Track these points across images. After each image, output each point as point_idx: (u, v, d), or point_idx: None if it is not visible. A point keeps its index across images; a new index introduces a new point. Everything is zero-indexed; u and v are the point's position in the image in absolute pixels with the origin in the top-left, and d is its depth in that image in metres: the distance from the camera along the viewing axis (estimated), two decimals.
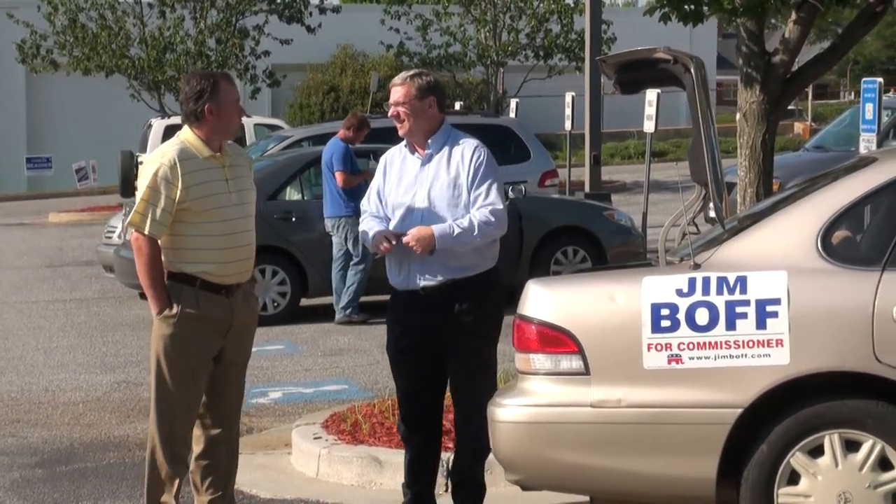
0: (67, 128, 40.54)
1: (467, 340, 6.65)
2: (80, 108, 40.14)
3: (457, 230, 6.58)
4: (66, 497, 7.76)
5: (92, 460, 8.64)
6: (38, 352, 12.74)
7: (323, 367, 11.61)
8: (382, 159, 6.94)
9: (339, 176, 13.44)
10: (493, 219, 6.59)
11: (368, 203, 6.87)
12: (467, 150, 6.73)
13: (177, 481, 6.54)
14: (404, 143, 6.81)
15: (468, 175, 6.66)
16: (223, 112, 6.50)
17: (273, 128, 26.80)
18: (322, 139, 18.68)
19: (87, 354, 12.49)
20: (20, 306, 15.93)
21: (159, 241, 6.43)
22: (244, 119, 29.93)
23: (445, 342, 6.68)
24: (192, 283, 6.45)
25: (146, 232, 6.38)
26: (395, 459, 7.74)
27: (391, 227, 6.72)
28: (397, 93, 6.71)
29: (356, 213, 13.38)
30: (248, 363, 6.79)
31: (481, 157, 6.72)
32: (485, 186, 6.66)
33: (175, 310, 6.42)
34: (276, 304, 14.02)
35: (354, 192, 13.39)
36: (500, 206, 6.65)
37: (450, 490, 6.95)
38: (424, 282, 6.65)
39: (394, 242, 6.60)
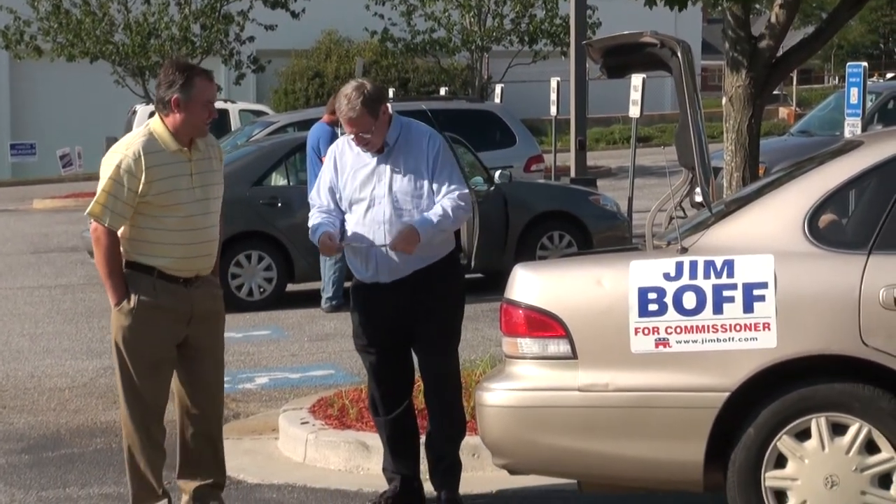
0: (51, 114, 40.43)
1: (435, 323, 6.80)
2: (64, 94, 40.04)
3: (435, 220, 6.65)
4: (53, 482, 7.75)
5: (78, 446, 8.63)
6: (24, 338, 12.72)
7: (310, 353, 11.61)
8: (331, 152, 6.92)
9: (325, 161, 13.39)
10: (462, 203, 6.72)
11: (318, 197, 6.84)
12: (425, 140, 6.78)
13: (157, 468, 6.54)
14: (352, 136, 6.78)
15: (429, 165, 6.73)
16: (190, 108, 6.40)
17: (258, 113, 26.76)
18: (307, 125, 18.63)
19: (72, 340, 12.46)
20: (5, 292, 15.90)
21: (119, 232, 6.39)
22: (229, 105, 29.79)
23: (412, 326, 6.81)
24: (150, 272, 6.42)
25: (106, 223, 6.33)
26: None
27: (351, 222, 6.76)
28: (358, 124, 6.66)
29: None
30: (221, 350, 6.74)
31: (438, 145, 6.78)
32: (447, 173, 6.75)
33: (132, 301, 6.39)
34: (262, 289, 14.01)
35: None
36: (465, 190, 6.80)
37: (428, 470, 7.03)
38: (394, 277, 6.75)
39: (341, 243, 6.75)
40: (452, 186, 6.74)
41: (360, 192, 6.75)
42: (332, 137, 13.51)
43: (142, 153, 6.33)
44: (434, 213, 6.67)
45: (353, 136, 6.73)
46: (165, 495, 6.59)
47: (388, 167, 6.75)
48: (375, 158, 6.78)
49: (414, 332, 6.85)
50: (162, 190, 6.35)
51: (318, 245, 6.77)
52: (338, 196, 6.80)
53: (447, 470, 6.96)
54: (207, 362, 6.63)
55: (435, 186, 6.73)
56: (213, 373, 6.68)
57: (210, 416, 6.69)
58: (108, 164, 6.35)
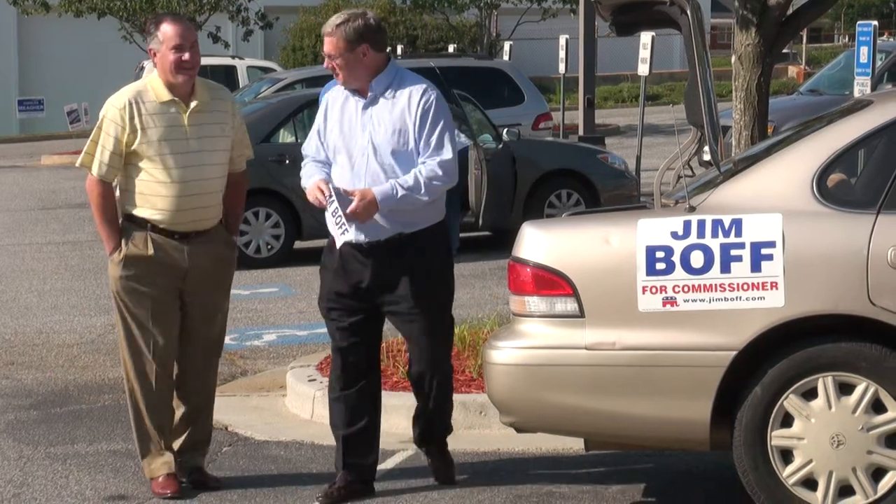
0: (59, 70, 40.36)
1: (418, 295, 6.33)
2: (71, 50, 39.95)
3: (400, 192, 6.19)
4: (62, 438, 7.78)
5: (87, 402, 8.66)
6: (32, 294, 12.75)
7: (317, 310, 11.56)
8: (324, 99, 6.60)
9: None
10: (439, 172, 6.19)
11: (309, 145, 6.59)
12: (414, 94, 6.25)
13: (161, 422, 6.55)
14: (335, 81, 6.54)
15: (414, 121, 6.22)
16: (160, 56, 6.42)
17: (266, 70, 26.71)
18: (315, 82, 18.64)
19: (80, 297, 12.49)
20: (13, 248, 15.92)
21: (116, 183, 6.44)
22: (237, 61, 29.71)
23: (385, 297, 6.36)
24: (144, 226, 6.42)
25: (94, 173, 6.39)
26: (390, 402, 7.73)
27: (334, 173, 6.37)
28: (327, 44, 6.31)
29: None
30: (218, 310, 6.67)
31: (429, 101, 6.24)
32: (435, 135, 6.22)
33: (123, 251, 6.41)
34: (269, 246, 14.03)
35: None
36: (449, 157, 6.23)
37: (417, 439, 6.75)
38: (369, 237, 6.31)
39: (330, 196, 6.23)
40: (435, 151, 6.22)
41: (345, 142, 6.36)
42: None
43: (128, 102, 6.36)
44: (403, 183, 6.18)
45: (325, 63, 6.40)
46: (170, 450, 6.61)
47: (372, 118, 6.31)
48: (361, 108, 6.36)
49: (391, 306, 6.39)
50: (150, 139, 6.35)
51: (308, 192, 6.41)
52: (325, 145, 6.48)
53: (441, 435, 6.68)
54: (197, 320, 6.59)
55: (421, 147, 6.24)
56: (204, 331, 6.62)
57: (194, 375, 6.66)
58: (101, 116, 6.44)
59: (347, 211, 6.20)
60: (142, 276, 6.42)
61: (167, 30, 6.40)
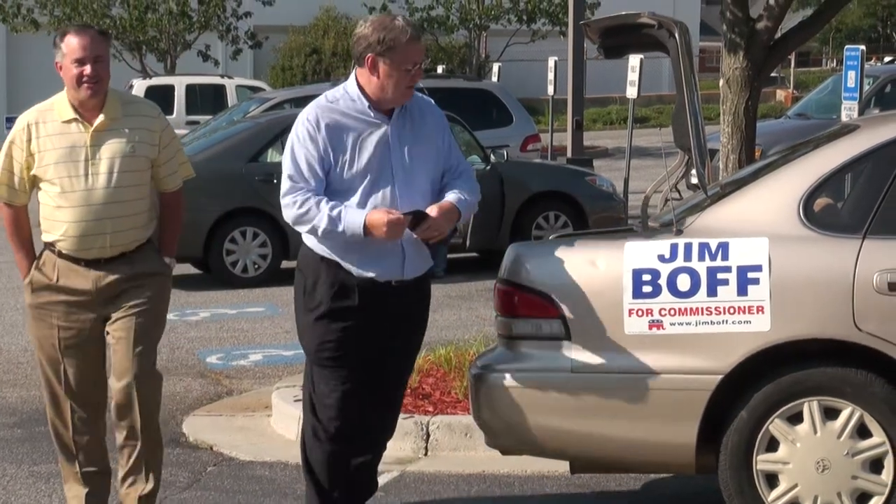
0: (48, 87, 40.11)
1: (417, 338, 6.02)
2: None
3: (467, 198, 5.75)
4: (46, 457, 7.74)
5: None
6: (17, 312, 12.69)
7: None
8: (311, 126, 5.68)
9: None
10: (476, 186, 5.87)
11: (306, 179, 5.69)
12: (434, 112, 5.87)
13: (78, 452, 6.20)
14: (345, 103, 5.73)
15: (443, 140, 5.84)
16: (63, 69, 6.00)
17: (255, 89, 26.71)
18: (304, 101, 18.54)
19: None
20: None
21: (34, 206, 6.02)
22: (226, 80, 29.65)
23: (393, 338, 5.83)
24: (53, 250, 6.05)
25: (2, 197, 6.07)
26: None
27: (354, 203, 5.65)
28: (420, 50, 5.73)
29: None
30: (146, 332, 6.02)
31: (444, 118, 5.95)
32: (456, 149, 5.93)
33: (31, 276, 6.08)
34: (256, 265, 14.01)
35: None
36: (473, 172, 6.00)
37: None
38: (413, 272, 5.82)
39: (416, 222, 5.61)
40: (465, 168, 5.88)
41: (367, 164, 5.64)
42: None
43: (27, 124, 6.01)
44: (462, 192, 5.73)
45: (410, 69, 5.64)
46: (87, 483, 6.22)
47: (400, 134, 5.71)
48: (382, 123, 5.71)
49: (392, 345, 5.85)
50: (48, 161, 5.95)
51: (380, 229, 5.53)
52: (332, 173, 5.67)
53: (370, 487, 6.10)
54: (120, 348, 6.00)
55: (452, 164, 5.82)
56: (124, 361, 5.99)
57: (121, 408, 6.00)
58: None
59: (435, 216, 5.64)
60: (49, 304, 6.05)
61: (71, 42, 5.96)
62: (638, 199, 7.00)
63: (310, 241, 5.90)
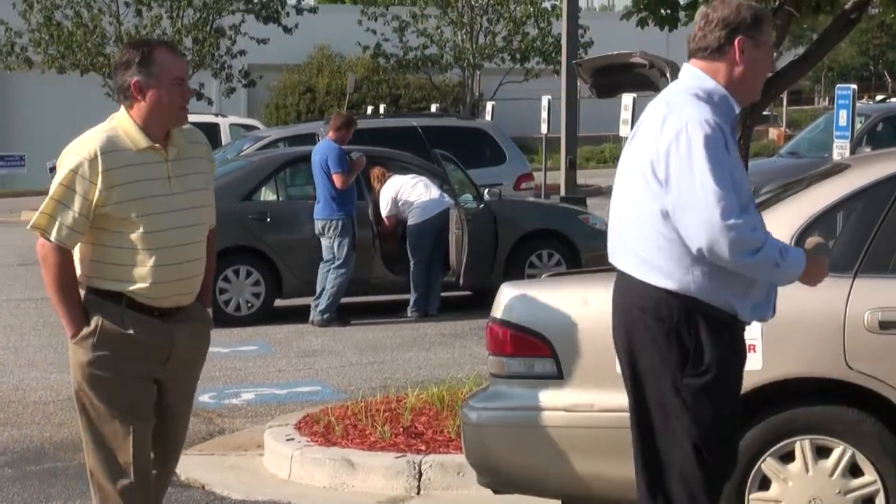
0: (42, 126, 40.42)
1: None
2: (54, 106, 40.07)
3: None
4: (36, 496, 7.72)
5: (62, 460, 8.59)
6: (9, 351, 12.68)
7: (296, 369, 11.59)
8: (718, 129, 4.57)
9: (337, 178, 13.39)
10: None
11: (735, 194, 4.52)
12: None
13: None
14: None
15: None
16: (155, 91, 5.13)
17: (249, 128, 26.77)
18: (298, 140, 18.72)
19: (58, 353, 12.42)
20: None
21: (75, 251, 5.18)
22: (220, 119, 29.74)
23: None
24: (117, 300, 5.18)
25: (52, 238, 5.11)
26: (368, 461, 7.73)
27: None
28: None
29: (348, 216, 13.47)
30: (195, 386, 5.60)
31: None
32: None
33: (95, 327, 5.16)
34: (249, 304, 13.99)
35: (345, 193, 13.42)
36: None
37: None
38: None
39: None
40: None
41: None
42: (341, 154, 13.53)
43: (99, 153, 5.09)
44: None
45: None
46: None
47: None
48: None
49: None
50: (126, 197, 5.10)
51: (819, 278, 4.82)
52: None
53: None
54: (176, 400, 5.42)
55: None
56: (183, 409, 5.48)
57: (163, 458, 5.43)
58: (61, 167, 5.17)
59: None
60: (116, 355, 5.17)
61: (169, 59, 5.16)
62: None
63: (678, 279, 4.65)
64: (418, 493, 7.56)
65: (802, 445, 5.63)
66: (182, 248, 5.21)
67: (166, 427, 5.39)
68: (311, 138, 18.20)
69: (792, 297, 5.65)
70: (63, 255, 5.13)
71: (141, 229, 5.13)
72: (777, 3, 9.30)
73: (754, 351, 5.61)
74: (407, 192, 14.06)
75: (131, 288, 5.15)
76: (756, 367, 5.61)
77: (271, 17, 32.36)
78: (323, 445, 8.16)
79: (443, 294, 13.98)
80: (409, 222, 13.93)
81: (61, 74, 31.98)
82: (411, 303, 13.81)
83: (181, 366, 5.33)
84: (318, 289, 13.62)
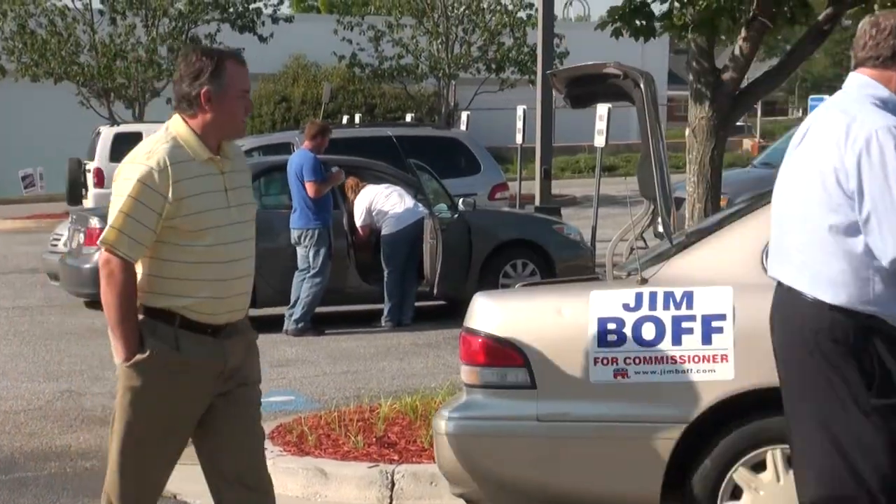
0: (14, 134, 40.24)
1: None
2: (27, 114, 39.87)
3: None
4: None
5: (33, 470, 8.54)
6: None
7: (270, 378, 11.53)
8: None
9: (310, 186, 13.34)
10: None
11: None
12: None
13: None
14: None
15: None
16: (226, 101, 5.02)
17: None
18: (273, 149, 18.67)
19: (29, 363, 12.36)
20: None
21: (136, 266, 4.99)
22: None
23: None
24: (170, 320, 5.00)
25: (121, 253, 4.89)
26: (341, 471, 7.71)
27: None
28: None
29: (324, 226, 13.43)
30: (259, 399, 5.44)
31: None
32: None
33: (150, 352, 4.97)
34: None
35: (321, 203, 13.39)
36: None
37: None
38: None
39: None
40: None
41: None
42: (316, 163, 13.50)
43: (168, 163, 4.90)
44: None
45: None
46: None
47: None
48: None
49: None
50: (194, 210, 4.95)
51: None
52: None
53: None
54: (247, 417, 5.26)
55: None
56: (258, 428, 5.32)
57: (259, 477, 5.29)
58: (125, 179, 4.93)
59: None
60: (168, 384, 5.00)
61: (237, 71, 5.05)
62: (605, 248, 7.02)
63: (854, 293, 4.47)
64: (391, 503, 7.54)
65: (774, 455, 5.63)
66: (238, 262, 5.10)
67: (244, 441, 5.23)
68: (286, 147, 18.17)
69: (765, 307, 5.67)
70: (130, 272, 4.95)
71: (205, 242, 4.98)
72: (751, 14, 9.35)
73: (726, 361, 5.62)
74: (381, 201, 14.04)
75: (186, 303, 4.99)
76: (728, 377, 5.62)
77: (247, 27, 32.34)
78: (296, 455, 8.13)
79: (417, 304, 13.96)
80: (384, 232, 13.91)
81: (35, 83, 31.85)
82: (385, 312, 13.79)
83: (241, 376, 5.19)
84: (293, 298, 13.58)
